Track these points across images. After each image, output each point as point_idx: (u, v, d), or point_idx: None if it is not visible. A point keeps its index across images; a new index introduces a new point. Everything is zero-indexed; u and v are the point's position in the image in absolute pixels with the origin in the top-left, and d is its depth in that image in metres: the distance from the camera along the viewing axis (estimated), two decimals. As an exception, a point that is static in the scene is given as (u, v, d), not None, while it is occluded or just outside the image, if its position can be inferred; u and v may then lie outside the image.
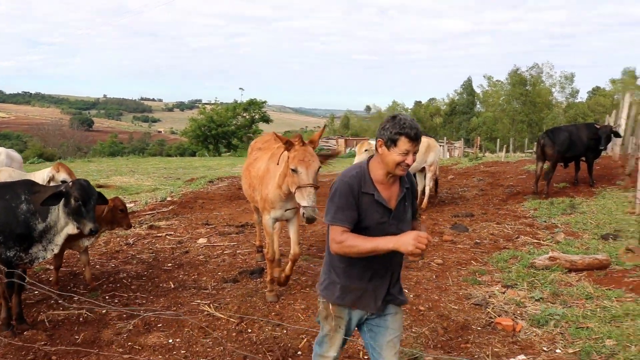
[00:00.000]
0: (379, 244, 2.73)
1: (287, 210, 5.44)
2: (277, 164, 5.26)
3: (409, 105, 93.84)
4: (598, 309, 5.23)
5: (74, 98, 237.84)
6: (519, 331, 4.86)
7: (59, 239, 4.99)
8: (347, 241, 2.79)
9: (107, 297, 5.88)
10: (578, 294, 5.66)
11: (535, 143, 13.66)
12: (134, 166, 26.78)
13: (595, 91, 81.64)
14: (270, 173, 5.39)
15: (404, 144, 2.81)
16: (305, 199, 4.49)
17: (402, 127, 2.81)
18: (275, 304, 5.53)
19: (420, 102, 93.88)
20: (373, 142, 10.26)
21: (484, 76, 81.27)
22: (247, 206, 11.91)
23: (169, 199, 12.89)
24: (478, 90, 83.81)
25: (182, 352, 4.48)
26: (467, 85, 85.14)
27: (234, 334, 4.82)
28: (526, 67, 76.50)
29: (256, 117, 55.58)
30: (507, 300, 5.59)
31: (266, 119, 56.39)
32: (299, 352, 4.49)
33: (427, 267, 6.87)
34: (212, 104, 61.94)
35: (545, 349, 4.54)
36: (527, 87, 74.36)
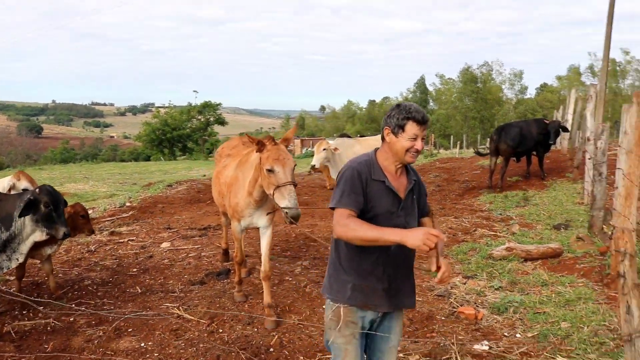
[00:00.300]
0: (384, 233, 2.60)
1: (259, 219, 5.29)
2: (247, 170, 5.12)
3: (364, 104, 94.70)
4: (553, 295, 5.51)
5: (20, 104, 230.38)
6: (481, 319, 5.09)
7: (24, 248, 4.96)
8: (352, 224, 2.65)
9: (73, 305, 5.80)
10: (534, 282, 5.94)
11: (488, 139, 14.11)
12: (87, 172, 26.32)
13: (543, 87, 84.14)
14: (239, 181, 5.24)
15: (412, 128, 2.79)
16: (286, 198, 4.32)
17: (408, 111, 2.80)
18: (244, 303, 5.61)
19: (374, 101, 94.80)
20: (332, 142, 10.47)
21: (436, 74, 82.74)
22: (208, 209, 11.93)
23: (128, 204, 12.75)
24: (431, 89, 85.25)
25: (155, 354, 4.52)
26: (420, 84, 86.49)
27: (205, 334, 4.88)
28: (477, 65, 78.34)
29: (211, 119, 55.28)
30: (468, 290, 5.83)
31: (221, 121, 56.11)
32: (271, 349, 4.58)
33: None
34: (166, 107, 61.23)
35: (506, 334, 4.77)
36: (478, 85, 76.08)
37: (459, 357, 4.30)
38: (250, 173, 4.98)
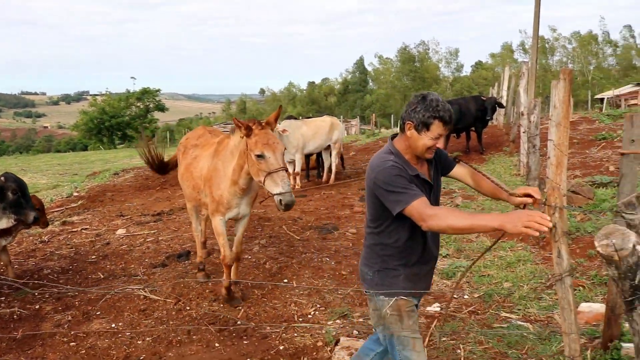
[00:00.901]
0: (479, 221, 2.47)
1: (243, 207, 5.01)
2: (227, 159, 4.77)
3: (304, 86, 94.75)
4: (496, 259, 5.99)
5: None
6: (432, 284, 5.50)
7: (-8, 232, 5.02)
8: (441, 213, 2.52)
9: (36, 294, 5.88)
10: (478, 248, 6.42)
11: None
12: (24, 165, 25.48)
13: (478, 65, 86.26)
14: (219, 172, 4.85)
15: (437, 127, 2.67)
16: (279, 185, 4.10)
17: (435, 109, 2.65)
18: (208, 282, 5.82)
19: (313, 82, 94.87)
20: (281, 125, 10.67)
21: (375, 55, 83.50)
22: (158, 195, 11.97)
23: (75, 194, 12.63)
24: (370, 69, 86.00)
25: (127, 334, 4.69)
26: (359, 64, 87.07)
27: (173, 312, 5.09)
28: (414, 44, 79.68)
29: (151, 106, 54.18)
30: (418, 259, 6.24)
31: (161, 108, 55.10)
32: (238, 322, 4.84)
33: (343, 237, 7.40)
34: (103, 94, 59.53)
35: (455, 296, 5.19)
36: (415, 64, 77.37)
37: (414, 318, 4.67)
38: (231, 161, 4.68)
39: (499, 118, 17.11)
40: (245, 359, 4.16)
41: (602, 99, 38.34)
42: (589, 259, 5.57)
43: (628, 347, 3.65)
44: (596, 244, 2.18)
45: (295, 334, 4.50)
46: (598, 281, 5.04)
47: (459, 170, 3.07)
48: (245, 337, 4.52)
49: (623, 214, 2.25)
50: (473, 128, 12.83)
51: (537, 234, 2.31)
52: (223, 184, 4.81)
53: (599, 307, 4.42)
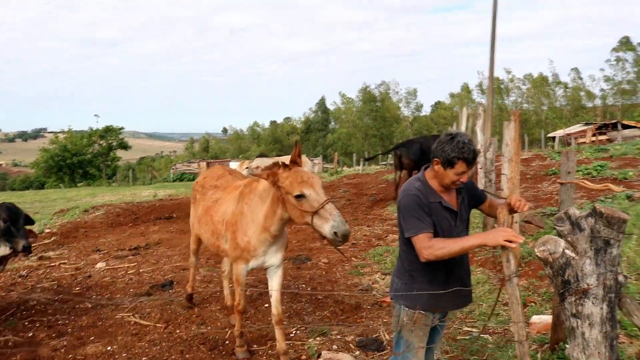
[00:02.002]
0: (466, 242, 2.93)
1: (272, 256, 4.68)
2: (256, 204, 4.46)
3: (267, 124, 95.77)
4: (457, 282, 6.57)
5: None
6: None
7: (-14, 263, 5.33)
8: (436, 245, 2.96)
9: (27, 323, 6.15)
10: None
11: (392, 155, 15.42)
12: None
13: (437, 105, 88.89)
14: (246, 216, 4.52)
15: (461, 166, 3.00)
16: (330, 218, 3.71)
17: (461, 151, 2.97)
18: (194, 308, 6.22)
19: (275, 121, 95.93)
20: (254, 163, 11.22)
21: (339, 93, 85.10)
22: (132, 231, 12.26)
23: (47, 230, 12.78)
24: (332, 108, 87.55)
25: (124, 355, 5.05)
26: (321, 104, 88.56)
27: (164, 335, 5.47)
28: (375, 84, 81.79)
29: (114, 144, 53.91)
30: (387, 284, 6.77)
31: (124, 146, 54.86)
32: (227, 342, 5.26)
33: (316, 267, 7.90)
34: (63, 132, 58.97)
35: (422, 315, 5.73)
36: (377, 104, 79.22)
37: (386, 334, 5.18)
38: (261, 206, 4.37)
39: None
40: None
41: (554, 138, 40.18)
42: (539, 279, 6.20)
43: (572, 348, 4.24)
44: (535, 250, 2.77)
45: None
46: (547, 297, 5.66)
47: (486, 204, 3.43)
48: (234, 355, 4.93)
49: (555, 227, 2.84)
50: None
51: (514, 245, 2.85)
52: (251, 230, 4.47)
53: (547, 318, 5.02)
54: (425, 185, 3.16)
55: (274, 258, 4.67)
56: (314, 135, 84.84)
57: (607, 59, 67.81)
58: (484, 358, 4.58)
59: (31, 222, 5.86)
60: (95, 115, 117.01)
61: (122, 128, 54.98)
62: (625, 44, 65.58)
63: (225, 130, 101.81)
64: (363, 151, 60.52)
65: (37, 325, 6.08)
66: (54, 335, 5.67)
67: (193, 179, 49.21)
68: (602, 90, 69.10)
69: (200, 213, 5.34)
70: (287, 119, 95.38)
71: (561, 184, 4.41)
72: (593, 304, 2.67)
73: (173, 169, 56.00)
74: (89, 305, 6.62)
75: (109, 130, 53.47)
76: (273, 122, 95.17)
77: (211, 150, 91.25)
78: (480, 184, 10.65)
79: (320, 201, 3.77)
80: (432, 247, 2.96)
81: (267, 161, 11.70)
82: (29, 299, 7.10)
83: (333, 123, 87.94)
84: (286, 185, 3.92)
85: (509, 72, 73.38)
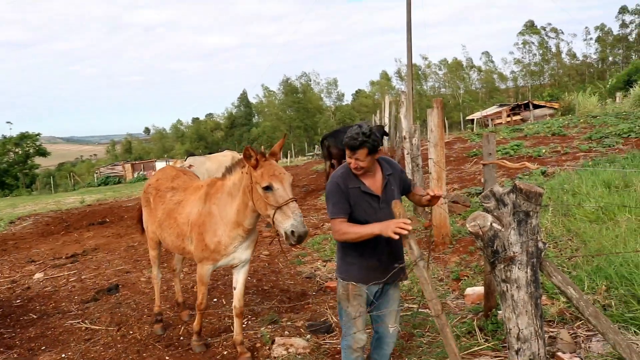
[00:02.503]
0: (367, 229, 3.26)
1: (242, 253, 4.68)
2: (225, 201, 4.49)
3: (189, 122, 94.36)
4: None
5: None
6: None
7: None
8: (343, 229, 3.35)
9: (-30, 339, 6.05)
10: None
11: (319, 145, 15.81)
12: None
13: (358, 93, 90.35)
14: (215, 216, 4.53)
15: (348, 152, 3.41)
16: (291, 217, 3.83)
17: (346, 138, 3.39)
18: (144, 307, 6.31)
19: (198, 118, 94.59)
20: (186, 162, 11.26)
21: (261, 86, 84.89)
22: (65, 239, 12.02)
23: (-27, 245, 12.29)
24: (255, 101, 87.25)
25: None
26: (243, 98, 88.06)
27: (118, 337, 5.55)
28: (296, 76, 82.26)
29: (31, 151, 51.62)
30: (329, 271, 7.12)
31: (42, 153, 52.65)
32: (182, 337, 5.42)
33: (258, 259, 8.12)
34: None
35: (365, 296, 6.10)
36: (299, 95, 79.63)
37: (333, 317, 5.50)
38: (231, 203, 4.42)
39: (383, 143, 18.62)
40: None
41: (472, 120, 41.99)
42: (470, 255, 6.71)
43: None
44: (467, 225, 3.13)
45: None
46: (478, 270, 6.16)
47: (412, 193, 3.78)
48: (191, 349, 5.11)
49: (482, 204, 3.21)
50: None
51: (405, 232, 3.16)
52: (221, 229, 4.49)
53: (480, 290, 5.50)
54: (348, 172, 3.48)
55: (244, 255, 4.68)
56: (238, 130, 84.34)
57: (515, 42, 71.31)
58: (426, 330, 4.97)
59: None
60: (8, 122, 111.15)
61: (38, 134, 52.78)
62: (530, 27, 69.13)
63: (147, 130, 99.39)
64: (289, 143, 60.75)
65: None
66: (1, 349, 5.61)
67: (119, 182, 48.01)
68: (512, 72, 72.57)
69: (160, 216, 5.17)
70: (209, 115, 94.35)
71: (483, 164, 4.85)
72: (519, 269, 3.07)
73: (97, 173, 54.30)
74: (34, 317, 6.56)
75: (24, 137, 51.16)
76: (196, 120, 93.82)
77: (134, 151, 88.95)
78: (408, 169, 11.19)
79: (285, 198, 3.88)
80: (338, 231, 3.37)
81: (199, 159, 11.77)
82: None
83: (257, 117, 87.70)
84: (258, 175, 3.98)
85: (425, 59, 75.69)
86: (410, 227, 3.21)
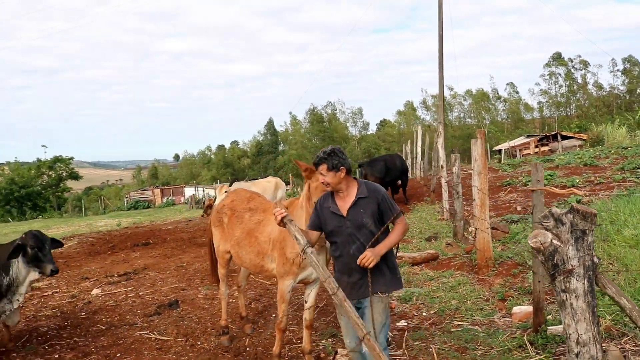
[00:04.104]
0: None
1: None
2: (300, 215, 4.71)
3: (214, 149, 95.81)
4: (440, 285, 7.36)
5: None
6: (394, 308, 6.75)
7: (23, 289, 5.77)
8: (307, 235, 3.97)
9: (47, 347, 6.53)
10: (424, 278, 7.78)
11: (358, 172, 16.30)
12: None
13: (383, 123, 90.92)
14: None
15: (318, 169, 3.98)
16: None
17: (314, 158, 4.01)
18: (206, 321, 6.75)
19: (223, 145, 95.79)
20: (232, 186, 11.80)
21: (289, 113, 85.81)
22: (113, 258, 12.57)
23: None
24: (281, 129, 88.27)
25: (156, 366, 5.55)
26: (270, 126, 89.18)
27: (187, 347, 5.99)
28: (321, 105, 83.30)
29: (63, 174, 53.00)
30: (378, 290, 7.49)
31: (75, 176, 54.02)
32: (248, 348, 5.84)
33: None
34: (3, 164, 57.65)
35: (415, 314, 6.47)
36: (324, 124, 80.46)
37: (389, 332, 5.87)
38: (302, 214, 4.68)
39: (415, 172, 19.05)
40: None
41: (499, 150, 42.19)
42: (513, 277, 7.05)
43: (552, 328, 5.06)
44: (529, 242, 3.53)
45: (299, 352, 5.56)
46: (523, 292, 6.50)
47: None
48: (258, 358, 5.52)
49: (542, 223, 3.61)
50: (399, 181, 14.48)
51: (278, 218, 3.85)
52: None
53: (526, 308, 5.84)
54: (328, 195, 4.08)
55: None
56: (264, 157, 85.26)
57: (541, 73, 71.48)
58: (478, 344, 5.32)
59: (60, 244, 6.30)
60: (43, 145, 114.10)
61: (71, 158, 54.17)
62: (557, 59, 69.34)
63: (177, 157, 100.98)
64: (315, 171, 60.90)
65: (58, 348, 6.46)
66: (80, 355, 6.07)
67: (148, 207, 48.97)
68: (539, 103, 72.60)
69: (239, 235, 5.46)
70: (235, 142, 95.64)
71: (532, 190, 5.25)
72: (577, 280, 3.45)
73: (127, 197, 55.29)
74: (102, 328, 7.03)
75: (58, 161, 52.60)
76: (221, 147, 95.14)
77: (160, 176, 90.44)
78: (445, 197, 11.59)
79: None
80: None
81: (244, 184, 12.33)
82: (37, 327, 7.44)
83: (282, 145, 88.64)
84: (313, 187, 4.46)
85: (451, 89, 76.10)
86: (283, 213, 3.86)
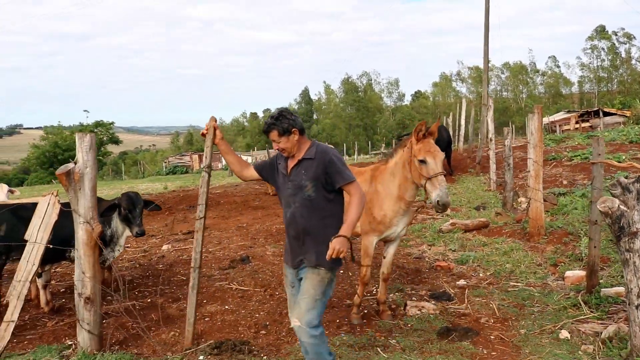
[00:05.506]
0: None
1: (401, 225, 5.37)
2: (388, 180, 5.20)
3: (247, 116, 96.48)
4: (493, 250, 7.88)
5: None
6: (453, 269, 7.31)
7: (122, 241, 6.45)
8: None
9: (136, 293, 7.26)
10: (477, 244, 8.30)
11: (385, 145, 16.80)
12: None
13: (418, 94, 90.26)
14: (381, 194, 5.26)
15: (269, 137, 3.83)
16: (437, 188, 4.55)
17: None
18: (279, 275, 7.40)
19: (255, 113, 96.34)
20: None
21: (323, 82, 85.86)
22: (173, 218, 13.32)
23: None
24: (315, 98, 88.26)
25: (242, 311, 6.17)
26: (305, 95, 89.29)
27: (267, 296, 6.63)
28: (356, 75, 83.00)
29: (104, 139, 54.44)
30: (435, 253, 8.06)
31: (115, 141, 55.43)
32: (321, 299, 6.47)
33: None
34: (39, 128, 59.26)
35: (472, 275, 7.02)
36: (359, 94, 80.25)
37: (449, 289, 6.45)
38: (393, 180, 5.14)
39: (458, 144, 19.38)
40: (342, 320, 5.77)
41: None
42: (564, 245, 7.53)
43: (604, 290, 5.57)
44: (599, 206, 4.03)
45: (372, 302, 6.17)
46: (574, 258, 6.99)
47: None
48: (335, 307, 6.14)
49: (610, 191, 4.09)
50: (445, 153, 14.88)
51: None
52: (386, 204, 5.18)
53: (578, 273, 6.35)
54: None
55: (401, 228, 5.38)
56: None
57: (583, 47, 69.88)
58: (535, 302, 5.85)
59: (158, 207, 6.91)
60: (85, 110, 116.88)
61: (112, 123, 55.54)
62: (601, 32, 67.64)
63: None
64: (349, 141, 61.43)
65: (147, 294, 7.19)
66: (170, 300, 6.78)
67: (186, 172, 50.12)
68: (581, 77, 71.13)
69: None
70: (267, 110, 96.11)
71: (593, 163, 5.69)
72: (640, 242, 3.95)
73: (165, 162, 56.48)
74: (183, 278, 7.73)
75: (99, 125, 53.99)
76: (253, 114, 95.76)
77: (195, 143, 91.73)
78: (492, 168, 12.00)
79: (436, 171, 4.61)
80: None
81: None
82: (122, 275, 8.19)
83: (315, 114, 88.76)
84: (416, 148, 4.72)
85: (489, 61, 75.03)
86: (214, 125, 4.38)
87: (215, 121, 4.49)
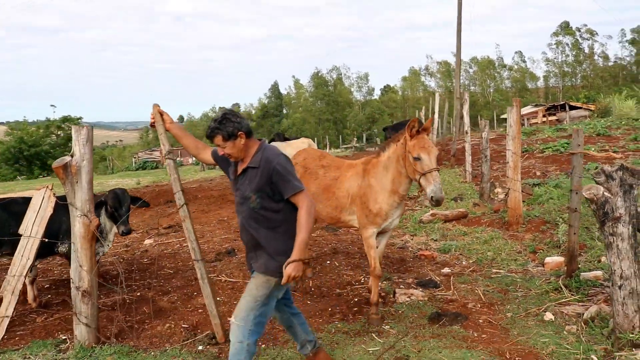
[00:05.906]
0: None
1: (395, 217, 5.43)
2: (382, 174, 5.22)
3: (217, 110, 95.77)
4: (474, 239, 8.13)
5: None
6: (436, 257, 7.52)
7: (111, 237, 6.46)
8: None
9: (125, 287, 7.24)
10: (458, 233, 8.54)
11: (356, 138, 17.01)
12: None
13: (387, 89, 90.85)
14: (374, 187, 5.27)
15: (214, 142, 3.69)
16: (432, 183, 4.63)
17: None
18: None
19: (224, 108, 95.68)
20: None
21: (292, 77, 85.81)
22: (151, 213, 13.28)
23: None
24: (285, 92, 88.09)
25: (234, 302, 6.26)
26: (274, 89, 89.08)
27: (257, 287, 6.73)
28: (326, 69, 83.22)
29: (72, 134, 53.42)
30: (417, 243, 8.27)
31: (83, 136, 54.38)
32: (312, 289, 6.60)
33: (349, 232, 9.29)
34: (13, 123, 58.03)
35: (456, 263, 7.24)
36: (329, 88, 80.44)
37: (435, 276, 6.65)
38: (387, 175, 5.18)
39: (432, 137, 19.68)
40: (334, 308, 5.91)
41: (506, 119, 42.71)
42: (541, 233, 7.82)
43: (584, 274, 5.83)
44: (584, 193, 4.25)
45: (362, 291, 6.32)
46: (551, 245, 7.27)
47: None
48: (325, 297, 6.28)
49: (594, 179, 4.32)
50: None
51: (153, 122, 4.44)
52: (380, 197, 5.20)
53: (557, 259, 6.62)
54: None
55: (395, 220, 5.46)
56: (269, 121, 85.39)
57: (549, 42, 71.40)
58: (517, 287, 6.09)
59: (146, 204, 6.87)
60: (52, 105, 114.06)
61: (80, 118, 54.56)
62: (565, 28, 69.18)
63: (181, 118, 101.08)
64: (318, 135, 61.55)
65: (135, 287, 7.20)
66: (160, 293, 6.80)
67: (156, 167, 49.55)
68: (546, 72, 72.63)
69: (315, 191, 5.80)
70: (236, 104, 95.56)
71: (572, 153, 5.94)
72: (623, 226, 4.18)
73: (134, 157, 55.77)
74: (170, 272, 7.77)
75: (66, 120, 52.99)
76: (222, 109, 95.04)
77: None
78: (468, 162, 12.28)
79: (430, 167, 4.68)
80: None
81: (280, 145, 12.96)
82: (105, 272, 8.17)
83: (286, 109, 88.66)
84: (411, 144, 4.77)
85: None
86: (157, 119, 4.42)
87: (159, 107, 4.52)
